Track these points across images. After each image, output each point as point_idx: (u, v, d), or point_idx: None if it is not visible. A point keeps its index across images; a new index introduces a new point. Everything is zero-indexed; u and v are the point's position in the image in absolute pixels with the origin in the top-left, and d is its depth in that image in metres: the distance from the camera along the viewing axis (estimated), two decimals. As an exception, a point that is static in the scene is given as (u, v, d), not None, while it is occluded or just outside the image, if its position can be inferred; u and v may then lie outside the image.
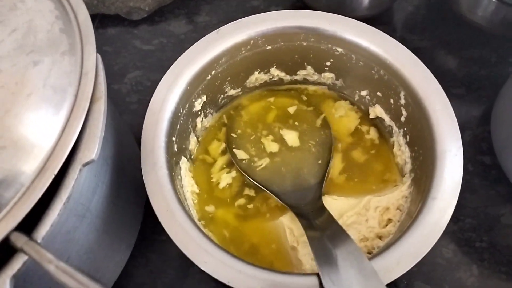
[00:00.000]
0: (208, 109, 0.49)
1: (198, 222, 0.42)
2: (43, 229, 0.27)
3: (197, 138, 0.48)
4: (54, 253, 0.29)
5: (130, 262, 0.44)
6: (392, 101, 0.46)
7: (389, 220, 0.42)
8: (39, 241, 0.27)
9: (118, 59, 0.57)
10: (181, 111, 0.43)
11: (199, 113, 0.47)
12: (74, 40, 0.34)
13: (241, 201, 0.45)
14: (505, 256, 0.45)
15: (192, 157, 0.47)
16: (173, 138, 0.42)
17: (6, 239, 0.27)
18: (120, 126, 0.42)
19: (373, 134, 0.48)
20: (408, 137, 0.45)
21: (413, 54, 0.44)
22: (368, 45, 0.45)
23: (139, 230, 0.44)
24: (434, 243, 0.36)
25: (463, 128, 0.52)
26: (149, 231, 0.45)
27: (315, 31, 0.46)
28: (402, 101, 0.44)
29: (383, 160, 0.47)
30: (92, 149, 0.30)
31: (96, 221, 0.35)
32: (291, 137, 0.48)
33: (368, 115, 0.49)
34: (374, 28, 0.46)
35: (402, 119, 0.45)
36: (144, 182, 0.37)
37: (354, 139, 0.48)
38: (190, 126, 0.46)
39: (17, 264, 0.27)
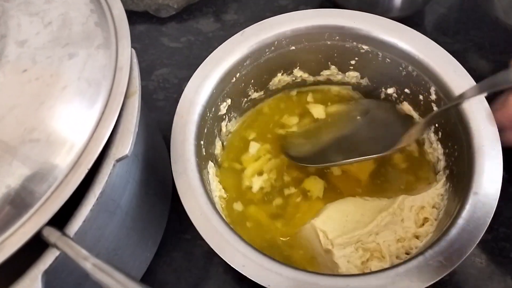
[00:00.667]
0: (232, 112, 0.48)
1: None
2: (76, 224, 0.27)
3: (222, 143, 0.47)
4: (85, 249, 0.28)
5: (155, 260, 0.43)
6: (421, 97, 0.45)
7: (426, 219, 0.41)
8: (71, 236, 0.27)
9: (146, 56, 0.56)
10: (208, 114, 0.43)
11: (224, 117, 0.47)
12: (108, 34, 0.33)
13: (271, 207, 0.44)
14: (541, 268, 0.44)
15: (218, 161, 0.46)
16: (202, 142, 0.41)
17: (38, 233, 0.26)
18: (149, 123, 0.42)
19: (413, 146, 0.47)
20: (440, 133, 0.44)
21: (443, 49, 0.43)
22: (396, 41, 0.44)
23: (165, 228, 0.43)
24: (479, 238, 0.35)
25: (497, 134, 0.50)
26: (174, 229, 0.45)
27: (340, 29, 0.45)
28: (433, 97, 0.43)
29: (414, 159, 0.46)
30: (126, 145, 0.29)
31: (125, 218, 0.34)
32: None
33: None
34: (401, 24, 0.45)
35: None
36: (176, 186, 0.37)
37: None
38: (215, 131, 0.46)
39: (49, 259, 0.26)
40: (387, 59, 0.45)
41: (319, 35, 0.46)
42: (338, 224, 0.42)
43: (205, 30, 0.58)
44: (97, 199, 0.28)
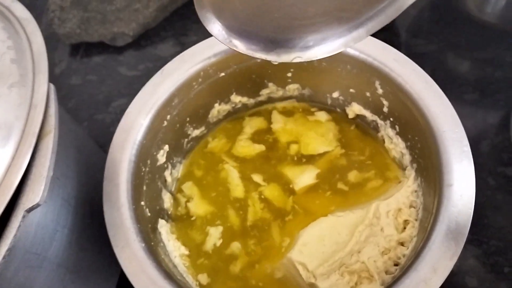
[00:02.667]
0: (174, 158, 0.43)
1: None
2: (-21, 289, 0.24)
3: (171, 193, 0.43)
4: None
5: (113, 309, 0.39)
6: (368, 94, 0.42)
7: (406, 222, 0.38)
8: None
9: (103, 87, 0.54)
10: (143, 169, 0.38)
11: (165, 165, 0.42)
12: (25, 71, 0.31)
13: (236, 254, 0.40)
14: (540, 282, 0.40)
15: (171, 215, 0.42)
16: (142, 203, 0.37)
17: None
18: (93, 159, 0.38)
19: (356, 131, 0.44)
20: (397, 127, 0.41)
21: (376, 39, 0.40)
22: None
23: (120, 275, 0.40)
24: (466, 234, 0.32)
25: (480, 137, 0.47)
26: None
27: None
28: (380, 91, 0.40)
29: (377, 160, 0.43)
30: (37, 192, 0.26)
31: (58, 270, 0.31)
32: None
33: (347, 117, 0.45)
34: None
35: (385, 109, 0.41)
36: (120, 263, 0.33)
37: (341, 149, 0.44)
38: (159, 183, 0.41)
39: None
40: (322, 63, 0.42)
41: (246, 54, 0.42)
42: (316, 251, 0.38)
43: (164, 55, 0.56)
44: (3, 258, 0.24)
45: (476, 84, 0.50)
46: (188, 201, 0.42)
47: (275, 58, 0.30)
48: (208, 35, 0.54)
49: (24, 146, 0.27)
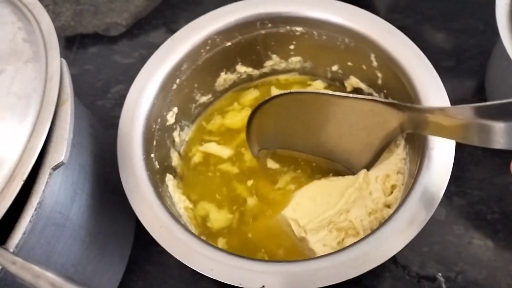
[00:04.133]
0: (182, 121, 0.46)
1: None
2: (16, 237, 0.26)
3: (179, 153, 0.45)
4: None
5: (128, 275, 0.42)
6: (364, 66, 0.44)
7: (394, 187, 0.41)
8: (11, 250, 0.26)
9: (100, 76, 0.56)
10: (154, 126, 0.41)
11: (174, 126, 0.45)
12: (38, 48, 0.33)
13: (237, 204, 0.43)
14: (520, 225, 0.43)
15: (178, 173, 0.45)
16: (152, 155, 0.40)
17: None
18: (102, 136, 0.41)
19: None
20: (389, 98, 0.43)
21: (372, 14, 0.42)
22: (326, 16, 0.43)
23: (134, 241, 0.42)
24: (444, 187, 0.34)
25: (458, 99, 0.50)
26: (145, 243, 0.44)
27: (269, 15, 0.44)
28: (375, 64, 0.43)
29: None
30: (61, 152, 0.28)
31: (79, 231, 0.33)
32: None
33: (345, 91, 0.47)
34: None
35: (379, 82, 0.44)
36: (130, 203, 0.35)
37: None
38: (168, 142, 0.44)
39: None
40: (323, 36, 0.44)
41: (251, 25, 0.44)
42: (308, 209, 0.41)
43: (156, 42, 0.58)
44: (35, 210, 0.27)
45: (452, 52, 0.53)
46: (206, 220, 0.43)
47: None
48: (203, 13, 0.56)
49: (45, 113, 0.29)
